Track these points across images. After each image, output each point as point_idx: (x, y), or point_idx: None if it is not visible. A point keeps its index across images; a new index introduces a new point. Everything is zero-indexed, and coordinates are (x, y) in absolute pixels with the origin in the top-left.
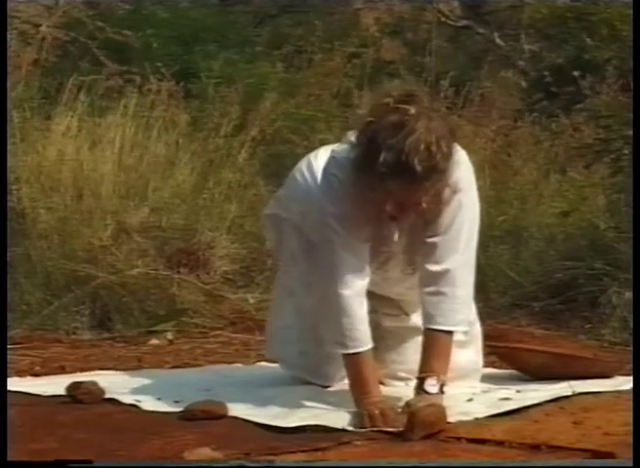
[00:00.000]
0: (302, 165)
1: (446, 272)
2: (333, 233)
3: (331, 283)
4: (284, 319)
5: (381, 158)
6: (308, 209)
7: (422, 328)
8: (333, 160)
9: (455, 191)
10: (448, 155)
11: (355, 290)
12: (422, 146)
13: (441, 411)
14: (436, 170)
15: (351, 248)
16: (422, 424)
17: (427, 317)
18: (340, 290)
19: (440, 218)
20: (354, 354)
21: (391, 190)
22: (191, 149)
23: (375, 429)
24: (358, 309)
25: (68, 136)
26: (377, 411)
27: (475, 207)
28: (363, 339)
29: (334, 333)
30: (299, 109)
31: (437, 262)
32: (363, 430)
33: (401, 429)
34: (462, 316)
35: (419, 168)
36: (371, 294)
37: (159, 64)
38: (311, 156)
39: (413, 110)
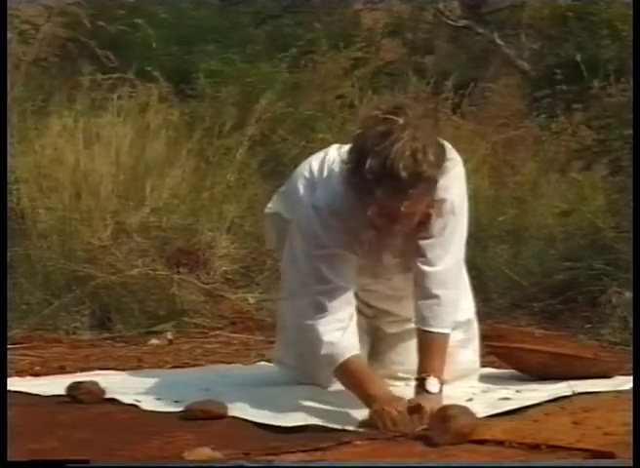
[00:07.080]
0: (309, 167)
1: (439, 273)
2: (318, 247)
3: (304, 314)
4: (283, 320)
5: (367, 165)
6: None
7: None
8: (332, 172)
9: (446, 196)
10: (435, 164)
11: (329, 318)
12: (408, 153)
13: (476, 423)
14: (422, 177)
15: (336, 263)
16: (457, 433)
17: (421, 319)
18: (311, 321)
19: (433, 221)
20: (337, 368)
21: (378, 198)
22: (190, 149)
23: (398, 434)
24: (328, 335)
25: (66, 135)
26: (394, 411)
27: (466, 211)
28: (338, 353)
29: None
30: (297, 109)
31: (431, 264)
32: (361, 430)
33: (429, 432)
34: (452, 318)
35: (403, 174)
36: (371, 307)
37: (158, 64)
38: (316, 158)
39: (401, 120)
